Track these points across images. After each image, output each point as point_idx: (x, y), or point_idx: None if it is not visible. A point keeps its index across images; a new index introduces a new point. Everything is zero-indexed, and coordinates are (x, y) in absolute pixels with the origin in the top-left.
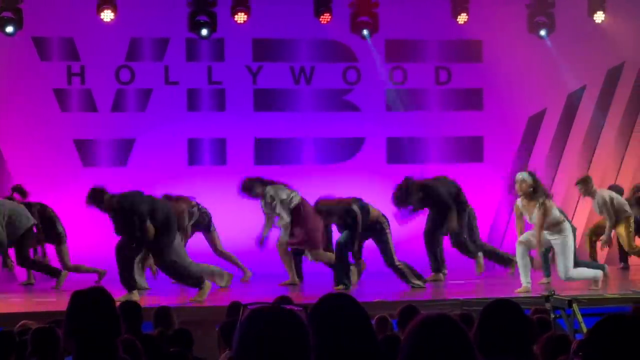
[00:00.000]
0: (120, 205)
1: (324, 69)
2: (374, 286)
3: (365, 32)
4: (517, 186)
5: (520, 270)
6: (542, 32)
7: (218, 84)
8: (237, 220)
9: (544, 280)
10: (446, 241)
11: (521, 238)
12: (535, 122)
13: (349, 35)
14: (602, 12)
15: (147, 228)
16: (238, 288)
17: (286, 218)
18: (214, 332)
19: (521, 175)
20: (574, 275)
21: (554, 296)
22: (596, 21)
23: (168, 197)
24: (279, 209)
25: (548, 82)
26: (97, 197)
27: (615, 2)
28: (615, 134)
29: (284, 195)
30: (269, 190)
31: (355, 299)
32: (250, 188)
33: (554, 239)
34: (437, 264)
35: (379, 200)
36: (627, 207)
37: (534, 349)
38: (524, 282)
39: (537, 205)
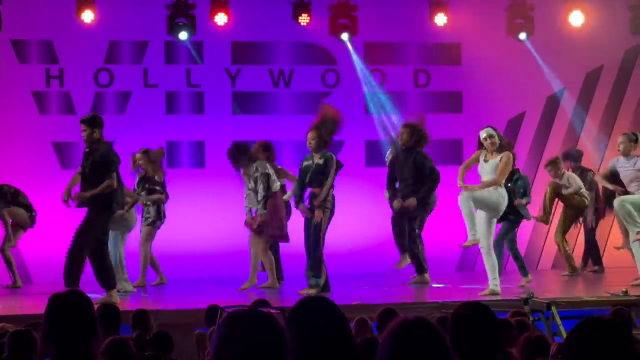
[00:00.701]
0: (99, 148)
1: (303, 72)
2: (352, 289)
3: (344, 35)
4: (487, 142)
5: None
6: (522, 36)
7: (197, 87)
8: (214, 223)
9: (523, 282)
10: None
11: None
12: (514, 125)
13: (328, 38)
14: (580, 15)
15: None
16: (215, 290)
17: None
18: (192, 336)
19: (487, 132)
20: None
21: (533, 299)
22: (574, 25)
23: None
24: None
25: (527, 85)
26: (97, 121)
27: (593, 6)
28: (594, 137)
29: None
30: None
31: (332, 301)
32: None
33: (489, 199)
34: (421, 265)
35: (358, 203)
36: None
37: (512, 351)
38: (491, 284)
39: (500, 157)
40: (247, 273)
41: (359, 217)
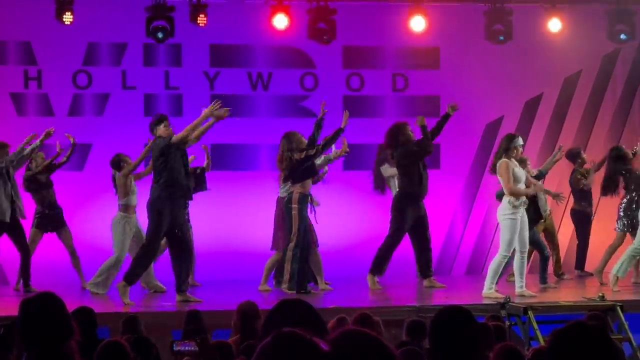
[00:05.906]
0: None
1: (281, 75)
2: (333, 291)
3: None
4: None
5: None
6: (502, 37)
7: (175, 89)
8: (194, 224)
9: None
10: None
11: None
12: (492, 129)
13: (306, 42)
14: (558, 21)
15: None
16: (192, 293)
17: None
18: (168, 339)
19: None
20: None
21: (510, 303)
22: (553, 30)
23: None
24: None
25: (505, 90)
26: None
27: (571, 11)
28: (572, 142)
29: None
30: None
31: (310, 304)
32: None
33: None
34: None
35: (336, 207)
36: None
37: (489, 355)
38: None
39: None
40: (227, 275)
41: (337, 221)
